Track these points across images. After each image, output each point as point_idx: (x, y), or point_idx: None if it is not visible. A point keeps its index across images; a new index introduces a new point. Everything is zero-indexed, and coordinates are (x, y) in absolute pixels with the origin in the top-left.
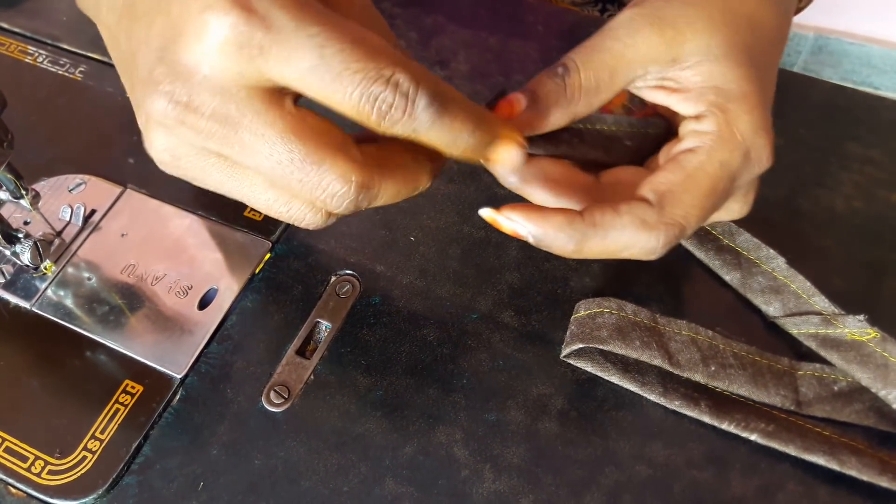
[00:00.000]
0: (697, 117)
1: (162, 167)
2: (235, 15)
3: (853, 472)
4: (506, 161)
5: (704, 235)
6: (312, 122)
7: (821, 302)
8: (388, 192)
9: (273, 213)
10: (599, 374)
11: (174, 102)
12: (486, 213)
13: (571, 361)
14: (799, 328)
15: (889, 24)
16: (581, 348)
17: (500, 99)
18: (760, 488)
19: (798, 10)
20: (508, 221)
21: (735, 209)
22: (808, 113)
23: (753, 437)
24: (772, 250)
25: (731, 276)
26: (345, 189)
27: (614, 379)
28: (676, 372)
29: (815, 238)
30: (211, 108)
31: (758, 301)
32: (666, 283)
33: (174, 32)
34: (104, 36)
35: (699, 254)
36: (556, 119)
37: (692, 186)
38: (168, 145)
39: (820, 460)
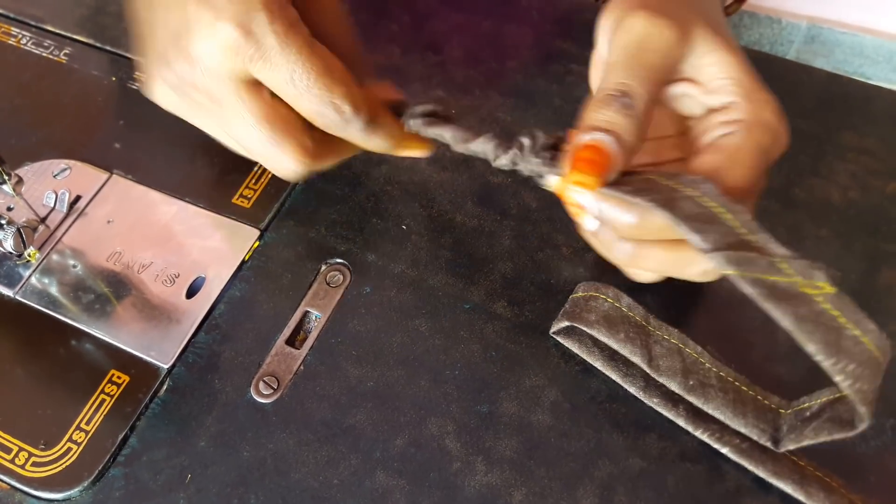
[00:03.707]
0: (724, 108)
1: (163, 107)
2: (238, 32)
3: None
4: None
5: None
6: (282, 110)
7: (766, 240)
8: (328, 164)
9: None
10: (586, 357)
11: (180, 78)
12: (554, 182)
13: (560, 339)
14: (743, 269)
15: (881, 13)
16: (571, 328)
17: (580, 145)
18: (755, 481)
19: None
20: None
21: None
22: (803, 102)
23: (725, 451)
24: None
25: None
26: (293, 167)
27: (598, 364)
28: (654, 375)
29: (810, 228)
30: (206, 88)
31: (683, 230)
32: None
33: (188, 27)
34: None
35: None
36: (633, 155)
37: (736, 165)
38: (170, 99)
39: (788, 488)
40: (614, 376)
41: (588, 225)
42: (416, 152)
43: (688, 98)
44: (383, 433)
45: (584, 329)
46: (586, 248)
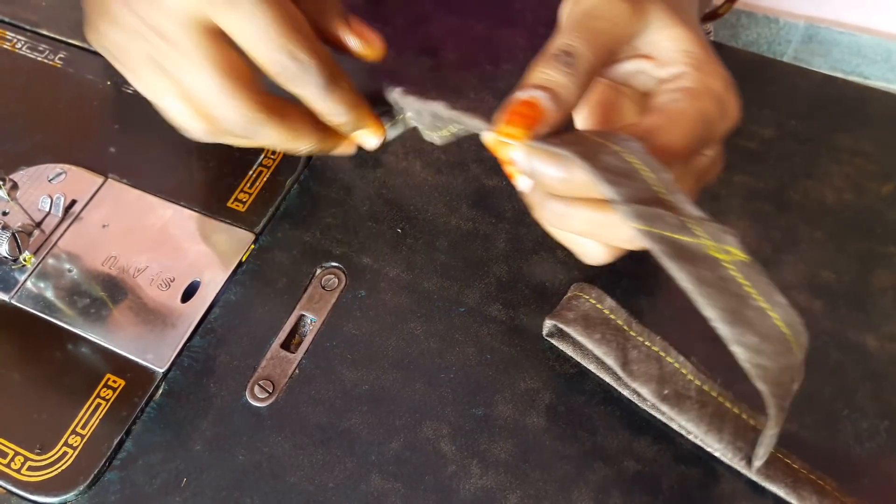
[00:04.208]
0: (674, 78)
1: (93, 44)
2: None
3: None
4: (364, 144)
5: None
6: (235, 60)
7: (682, 200)
8: (271, 135)
9: (175, 122)
10: (580, 360)
11: (139, 17)
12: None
13: (555, 342)
14: (649, 224)
15: (879, 13)
16: (562, 331)
17: (515, 101)
18: (748, 484)
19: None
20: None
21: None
22: (798, 104)
23: (718, 454)
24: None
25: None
26: (238, 118)
27: (593, 367)
28: (627, 379)
29: (805, 230)
30: (164, 29)
31: (598, 180)
32: (657, 280)
33: None
34: None
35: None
36: (568, 113)
37: (673, 127)
38: (117, 39)
39: (780, 492)
40: (609, 379)
41: (521, 184)
42: (371, 132)
43: (643, 75)
44: (378, 436)
45: (562, 326)
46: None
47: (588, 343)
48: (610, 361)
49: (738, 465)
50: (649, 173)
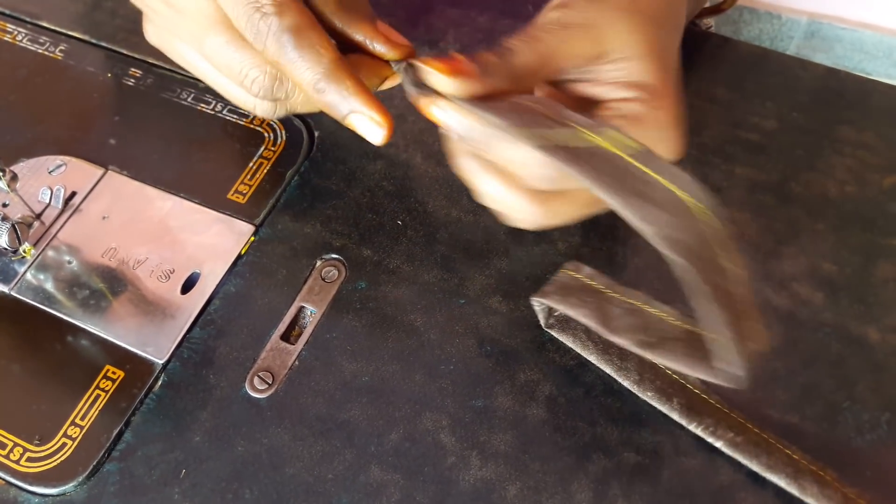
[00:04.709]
0: (624, 100)
1: (152, 43)
2: None
3: (812, 501)
4: (363, 133)
5: None
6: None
7: (574, 115)
8: (303, 57)
9: (221, 91)
10: (580, 351)
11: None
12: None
13: (555, 334)
14: (543, 138)
15: (881, 9)
16: (565, 322)
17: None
18: (749, 475)
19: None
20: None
21: None
22: (800, 96)
23: (719, 445)
24: None
25: None
26: (259, 75)
27: (593, 358)
28: (608, 335)
29: (807, 222)
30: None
31: (488, 116)
32: (658, 271)
33: None
34: None
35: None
36: (495, 89)
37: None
38: (153, 36)
39: (781, 482)
40: (608, 370)
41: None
42: (361, 112)
43: (587, 89)
44: (378, 428)
45: (540, 299)
46: (582, 243)
47: (567, 309)
48: (590, 323)
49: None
50: (559, 127)
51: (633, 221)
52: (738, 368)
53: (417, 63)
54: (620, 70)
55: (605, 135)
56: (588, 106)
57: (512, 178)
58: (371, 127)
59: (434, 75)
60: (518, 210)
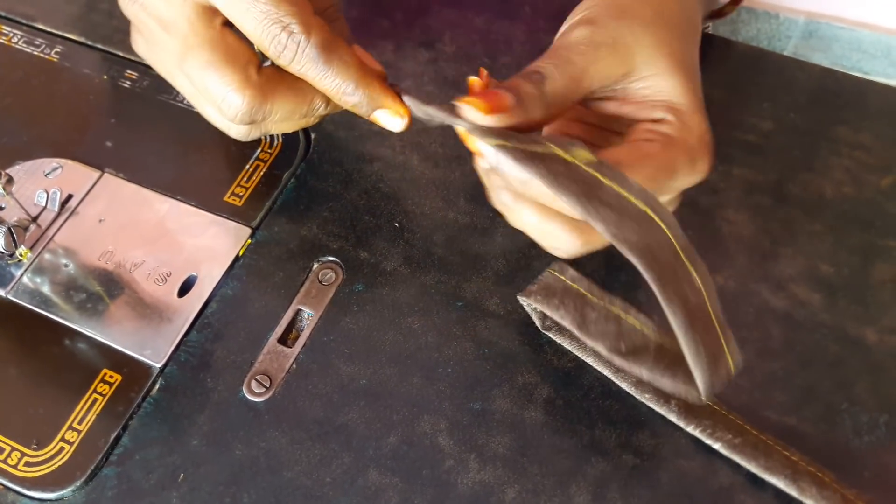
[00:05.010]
0: (655, 121)
1: (139, 54)
2: None
3: (810, 503)
4: (387, 125)
5: None
6: (230, 40)
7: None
8: (282, 108)
9: (199, 109)
10: (578, 353)
11: (140, 5)
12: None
13: (552, 336)
14: (488, 138)
15: (879, 9)
16: (559, 325)
17: (488, 90)
18: (748, 477)
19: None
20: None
21: None
22: (798, 97)
23: (717, 446)
24: None
25: None
26: (238, 101)
27: (590, 361)
28: (584, 338)
29: (804, 223)
30: (160, 14)
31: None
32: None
33: None
34: None
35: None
36: (529, 124)
37: (639, 166)
38: (141, 46)
39: (780, 483)
40: (606, 372)
41: (481, 164)
42: (390, 112)
43: (624, 118)
44: (376, 431)
45: (524, 299)
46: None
47: (548, 310)
48: (567, 323)
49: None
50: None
51: (583, 215)
52: (703, 385)
53: (457, 104)
54: (649, 88)
55: (571, 152)
56: (618, 125)
57: (547, 208)
58: (394, 119)
59: (472, 112)
60: (555, 239)
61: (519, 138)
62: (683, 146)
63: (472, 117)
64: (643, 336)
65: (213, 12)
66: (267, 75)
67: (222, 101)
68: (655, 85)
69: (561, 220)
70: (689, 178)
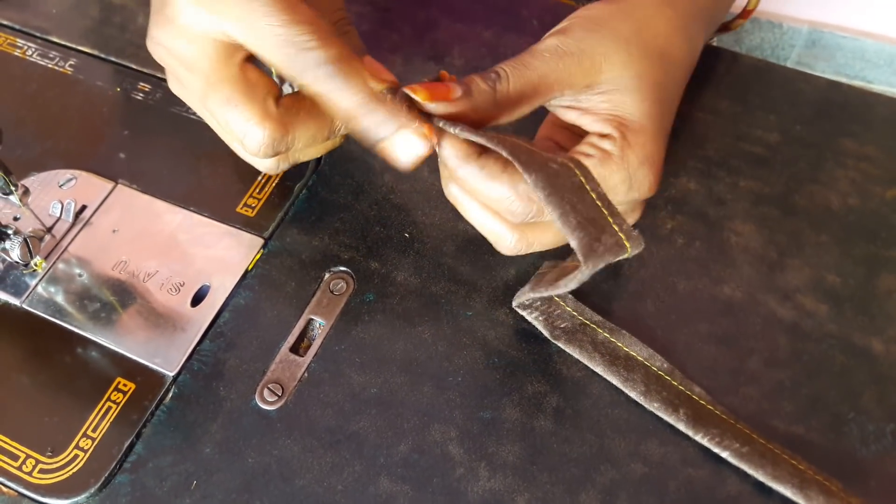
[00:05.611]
0: (601, 135)
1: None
2: None
3: None
4: (404, 153)
5: None
6: (251, 75)
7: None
8: (304, 135)
9: (229, 144)
10: (587, 362)
11: (165, 48)
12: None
13: (561, 345)
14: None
15: (882, 18)
16: (569, 335)
17: (437, 80)
18: (755, 485)
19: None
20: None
21: None
22: (803, 109)
23: (725, 455)
24: None
25: None
26: (259, 134)
27: (599, 370)
28: (552, 338)
29: (810, 235)
30: (182, 54)
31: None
32: (664, 283)
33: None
34: None
35: None
36: (480, 118)
37: None
38: (174, 86)
39: (787, 492)
40: (615, 381)
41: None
42: (412, 133)
43: (575, 119)
44: (387, 439)
45: (519, 299)
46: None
47: (532, 294)
48: (543, 291)
49: (639, 398)
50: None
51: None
52: (580, 247)
53: (405, 89)
54: (608, 102)
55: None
56: (575, 136)
57: (493, 209)
58: (417, 141)
59: (417, 98)
60: (500, 237)
61: (475, 133)
62: (620, 164)
63: (419, 103)
64: (634, 361)
65: (233, 49)
66: (286, 106)
67: (244, 137)
68: (615, 100)
69: (506, 220)
70: (628, 194)
